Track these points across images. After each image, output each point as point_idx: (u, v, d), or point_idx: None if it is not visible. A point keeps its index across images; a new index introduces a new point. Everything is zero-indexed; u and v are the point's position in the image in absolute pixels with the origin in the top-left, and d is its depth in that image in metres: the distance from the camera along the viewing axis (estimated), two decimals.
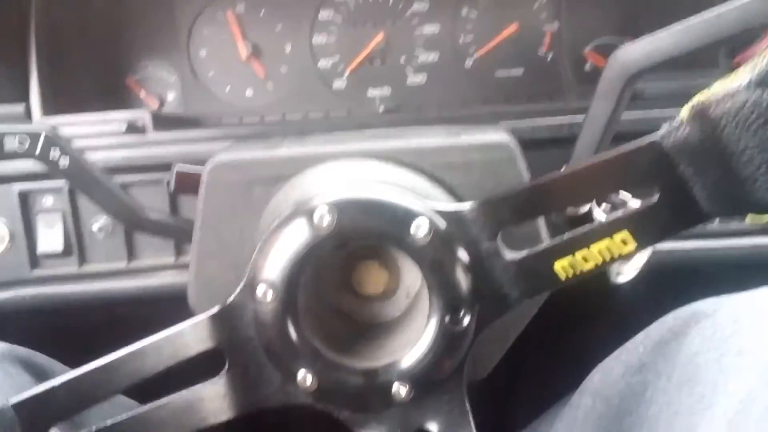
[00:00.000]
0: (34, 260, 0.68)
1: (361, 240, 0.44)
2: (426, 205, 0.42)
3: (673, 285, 0.63)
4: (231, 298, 0.44)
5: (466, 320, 0.42)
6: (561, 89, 0.78)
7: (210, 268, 0.51)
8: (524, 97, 0.78)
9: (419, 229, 0.41)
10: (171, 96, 0.82)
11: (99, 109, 0.69)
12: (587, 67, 0.78)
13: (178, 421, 0.44)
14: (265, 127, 0.72)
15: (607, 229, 0.38)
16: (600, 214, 0.51)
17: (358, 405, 0.44)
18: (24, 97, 0.70)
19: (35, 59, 0.71)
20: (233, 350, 0.44)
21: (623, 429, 0.52)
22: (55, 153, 0.50)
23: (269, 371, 0.44)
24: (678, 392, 0.46)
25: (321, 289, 0.50)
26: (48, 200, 0.67)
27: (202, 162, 0.52)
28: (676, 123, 0.35)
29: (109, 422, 0.43)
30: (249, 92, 0.82)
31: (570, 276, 0.39)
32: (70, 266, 0.68)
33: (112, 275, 0.68)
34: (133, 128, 0.67)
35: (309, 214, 0.42)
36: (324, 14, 0.79)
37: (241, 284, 0.44)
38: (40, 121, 0.68)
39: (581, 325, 0.89)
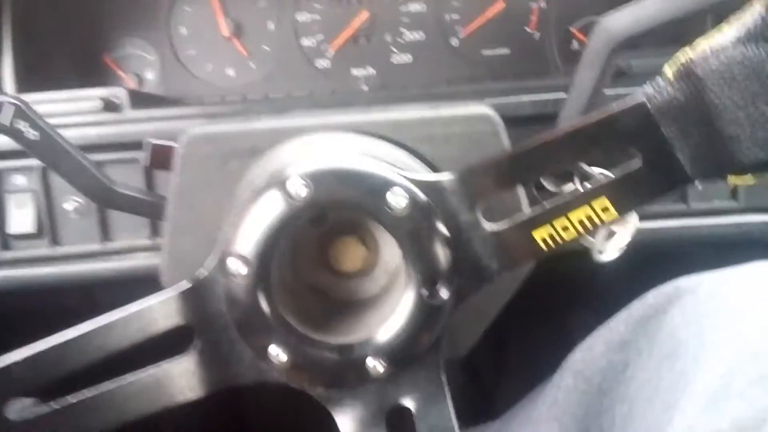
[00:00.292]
0: (5, 242, 0.66)
1: (336, 210, 0.43)
2: (403, 175, 0.41)
3: (657, 264, 0.62)
4: (202, 273, 0.42)
5: (444, 293, 0.41)
6: (548, 68, 0.77)
7: (184, 245, 0.50)
8: (511, 76, 0.77)
9: (396, 200, 0.40)
10: (150, 75, 0.81)
11: (75, 88, 0.67)
12: (574, 45, 0.77)
13: (144, 399, 0.43)
14: (247, 106, 0.70)
15: (587, 197, 0.37)
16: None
17: (333, 381, 0.43)
18: None
19: (8, 35, 0.69)
20: (203, 326, 0.43)
21: (604, 407, 0.51)
22: (22, 125, 0.49)
23: (240, 347, 0.43)
24: (658, 369, 0.46)
25: (297, 266, 0.49)
26: (19, 179, 0.65)
27: None
28: (660, 82, 0.34)
29: (70, 398, 0.42)
30: (231, 71, 0.80)
31: (551, 246, 0.38)
32: (43, 248, 0.66)
33: (86, 257, 0.67)
34: (109, 106, 0.65)
35: (283, 184, 0.41)
36: None
37: (213, 258, 0.42)
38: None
39: (565, 305, 0.88)
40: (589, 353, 0.53)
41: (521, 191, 0.49)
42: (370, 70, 0.79)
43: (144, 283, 0.64)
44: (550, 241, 0.38)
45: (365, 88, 0.78)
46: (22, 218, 0.65)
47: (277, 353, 0.42)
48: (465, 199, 0.40)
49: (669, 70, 0.34)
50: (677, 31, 0.47)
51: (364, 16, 0.78)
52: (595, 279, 0.70)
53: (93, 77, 0.78)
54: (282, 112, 0.57)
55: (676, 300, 0.48)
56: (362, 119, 0.49)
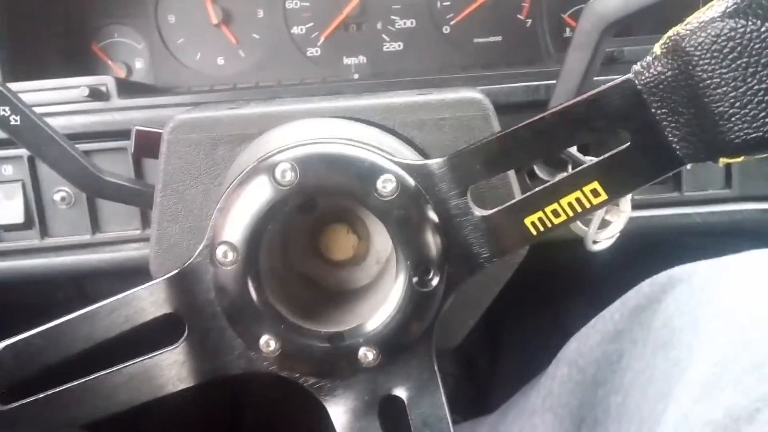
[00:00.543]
0: None
1: (325, 197, 0.43)
2: (393, 160, 0.40)
3: (651, 253, 0.62)
4: (189, 261, 0.42)
5: (435, 281, 0.40)
6: (540, 55, 0.76)
7: (172, 233, 0.49)
8: (503, 63, 0.76)
9: (385, 185, 0.39)
10: (139, 63, 0.80)
11: (63, 77, 0.66)
12: (566, 32, 0.77)
13: (135, 388, 0.42)
14: (236, 93, 0.69)
15: (577, 181, 0.36)
16: None
17: (324, 371, 0.43)
18: None
19: None
20: (192, 315, 0.42)
21: (599, 398, 0.51)
22: (5, 110, 0.48)
23: (230, 337, 0.42)
24: (653, 358, 0.45)
25: (287, 254, 0.48)
26: (7, 169, 0.64)
27: None
28: (649, 59, 0.33)
29: (60, 388, 0.41)
30: (220, 60, 0.79)
31: (541, 231, 0.38)
32: (32, 239, 0.65)
33: (76, 248, 0.66)
34: (96, 94, 0.64)
35: (271, 170, 0.40)
36: None
37: (201, 246, 0.42)
38: None
39: (559, 295, 0.88)
40: (584, 343, 0.53)
41: (514, 180, 0.48)
42: (361, 58, 0.79)
43: (134, 275, 0.63)
44: (540, 226, 0.38)
45: (356, 76, 0.77)
46: (10, 209, 0.64)
47: (268, 342, 0.41)
48: (455, 184, 0.39)
49: (658, 47, 0.33)
50: (670, 17, 0.46)
51: (354, 3, 0.77)
52: (590, 269, 0.70)
53: (81, 66, 0.77)
54: (271, 99, 0.56)
55: (670, 289, 0.47)
56: (351, 104, 0.48)
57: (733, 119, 0.32)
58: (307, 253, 0.49)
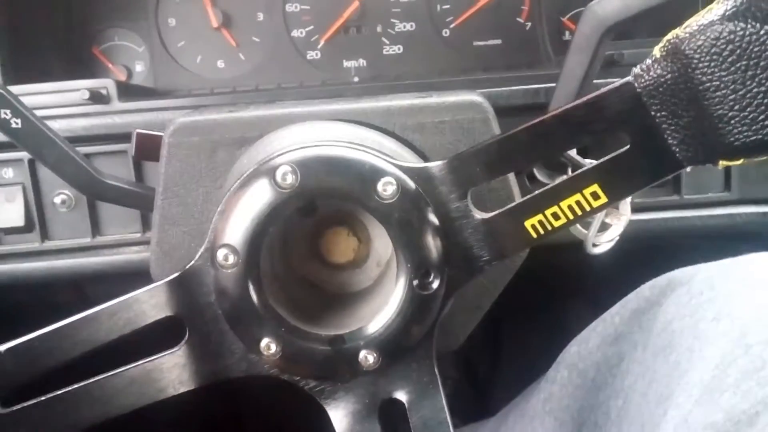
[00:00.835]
0: None
1: (325, 199, 0.43)
2: (393, 163, 0.40)
3: (650, 256, 0.62)
4: (190, 264, 0.42)
5: (435, 283, 0.40)
6: (539, 58, 0.76)
7: (172, 236, 0.49)
8: (502, 67, 0.76)
9: (386, 188, 0.39)
10: (139, 67, 0.80)
11: (63, 80, 0.66)
12: (566, 35, 0.77)
13: (135, 392, 0.42)
14: (236, 96, 0.70)
15: (577, 184, 0.36)
16: None
17: (324, 374, 0.43)
18: None
19: None
20: (193, 318, 0.42)
21: (599, 401, 0.51)
22: (6, 113, 0.48)
23: (231, 340, 0.42)
24: (653, 361, 0.45)
25: (288, 257, 0.48)
26: (7, 172, 0.64)
27: None
28: (649, 62, 0.33)
29: (61, 391, 0.41)
30: (220, 63, 0.79)
31: (541, 233, 0.38)
32: (32, 242, 0.65)
33: (76, 251, 0.66)
34: (96, 97, 0.64)
35: (271, 172, 0.40)
36: None
37: (201, 249, 0.42)
38: None
39: (559, 298, 0.88)
40: (584, 346, 0.53)
41: (514, 183, 0.48)
42: (361, 61, 0.79)
43: (134, 278, 0.63)
44: (540, 229, 0.38)
45: (356, 79, 0.77)
46: (11, 212, 0.64)
47: (269, 345, 0.41)
48: (455, 187, 0.39)
49: (657, 50, 0.34)
50: (670, 20, 0.47)
51: (354, 6, 0.77)
52: (589, 271, 0.70)
53: (82, 69, 0.77)
54: (271, 102, 0.56)
55: (670, 292, 0.47)
56: (351, 107, 0.48)
57: (732, 122, 0.32)
58: (308, 256, 0.49)
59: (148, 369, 0.42)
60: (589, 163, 0.51)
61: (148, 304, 0.42)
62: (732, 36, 0.31)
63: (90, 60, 0.78)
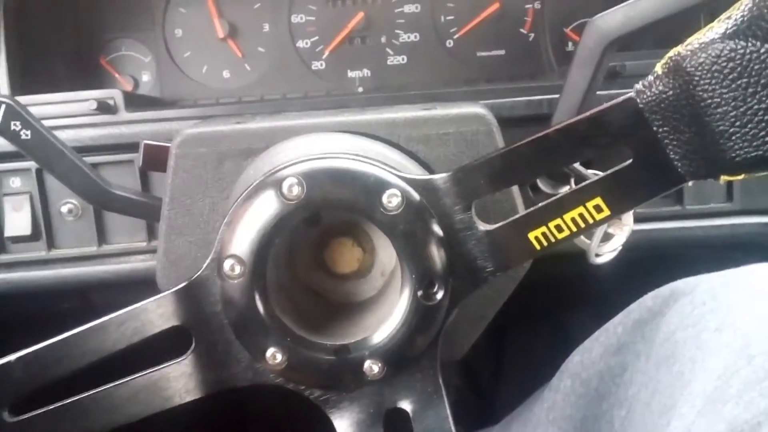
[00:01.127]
0: (1, 244, 0.66)
1: (331, 211, 0.43)
2: (398, 175, 0.41)
3: (652, 266, 0.62)
4: (197, 274, 0.42)
5: (440, 294, 0.41)
6: (543, 69, 0.77)
7: (179, 246, 0.50)
8: (506, 77, 0.77)
9: (391, 200, 0.40)
10: (146, 77, 0.81)
11: (71, 90, 0.67)
12: (569, 46, 0.78)
13: (142, 401, 0.42)
14: (242, 107, 0.70)
15: (580, 197, 0.37)
16: None
17: (329, 384, 0.43)
18: None
19: (3, 37, 0.69)
20: (199, 327, 0.42)
21: (602, 411, 0.51)
22: (16, 125, 0.48)
23: (237, 349, 0.43)
24: (656, 371, 0.46)
25: (293, 267, 0.49)
26: (15, 181, 0.65)
27: None
28: (651, 78, 0.34)
29: (69, 400, 0.42)
30: (226, 73, 0.80)
31: (545, 245, 0.38)
32: (39, 250, 0.66)
33: (82, 259, 0.66)
34: (104, 108, 0.65)
35: (277, 184, 0.40)
36: None
37: (208, 259, 0.42)
38: None
39: (562, 308, 0.88)
40: (587, 356, 0.53)
41: (517, 194, 0.49)
42: (366, 72, 0.79)
43: (140, 286, 0.64)
44: (543, 241, 0.38)
45: (360, 89, 0.78)
46: (18, 221, 0.65)
47: (274, 355, 0.42)
48: (459, 199, 0.40)
49: (659, 66, 0.34)
50: (672, 33, 0.47)
51: (359, 17, 0.78)
52: (592, 281, 0.70)
53: (88, 79, 0.78)
54: (277, 113, 0.56)
55: (673, 302, 0.47)
56: (357, 119, 0.49)
57: (733, 138, 0.32)
58: (313, 266, 0.49)
59: (155, 378, 0.43)
60: (592, 173, 0.51)
61: (156, 313, 0.42)
62: (733, 54, 0.31)
63: (97, 70, 0.79)
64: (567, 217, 0.37)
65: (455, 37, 0.78)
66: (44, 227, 0.65)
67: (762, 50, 0.31)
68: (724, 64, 0.31)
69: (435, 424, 0.43)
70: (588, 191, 0.37)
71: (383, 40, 0.79)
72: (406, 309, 0.41)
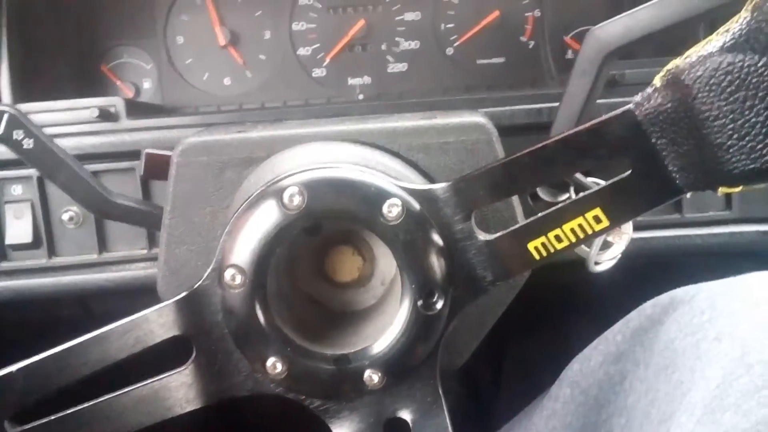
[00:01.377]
0: (2, 252, 0.66)
1: (331, 220, 0.43)
2: (398, 185, 0.41)
3: (651, 274, 0.62)
4: (198, 284, 0.42)
5: (440, 304, 0.41)
6: (543, 77, 0.77)
7: (179, 254, 0.50)
8: (506, 85, 0.77)
9: (391, 210, 0.40)
10: (147, 84, 0.81)
11: (73, 98, 0.67)
12: (569, 54, 0.78)
13: (143, 411, 0.42)
14: (243, 114, 0.71)
15: (580, 208, 0.37)
16: None
17: (329, 393, 0.43)
18: None
19: (5, 44, 0.69)
20: (200, 337, 0.43)
21: (601, 419, 0.51)
22: (18, 134, 0.49)
23: (237, 359, 0.43)
24: (655, 380, 0.46)
25: (293, 276, 0.49)
26: (17, 189, 0.65)
27: None
28: (649, 91, 0.34)
29: (70, 410, 0.42)
30: (227, 80, 0.80)
31: (544, 255, 0.38)
32: (40, 258, 0.66)
33: (83, 267, 0.66)
34: (105, 115, 0.65)
35: (278, 194, 0.41)
36: (304, 0, 0.78)
37: (209, 269, 0.42)
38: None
39: (561, 316, 0.88)
40: (587, 364, 0.53)
41: (517, 203, 0.49)
42: (366, 79, 0.80)
43: (140, 294, 0.64)
44: (543, 251, 0.38)
45: (361, 96, 0.78)
46: (19, 228, 0.65)
47: (275, 365, 0.42)
48: (459, 209, 0.40)
49: (658, 79, 0.34)
50: (672, 42, 0.47)
51: (359, 24, 0.78)
52: (592, 289, 0.70)
53: (90, 86, 0.78)
54: (278, 121, 0.57)
55: (672, 311, 0.48)
56: (357, 128, 0.49)
57: (731, 151, 0.32)
58: (313, 275, 0.49)
59: (156, 388, 0.43)
60: (592, 182, 0.52)
61: (157, 323, 0.42)
62: (731, 67, 0.31)
63: (99, 77, 0.79)
64: (566, 227, 0.37)
65: (455, 44, 0.79)
66: (45, 235, 0.65)
67: (760, 63, 0.31)
68: (723, 77, 0.32)
69: None
70: (587, 202, 0.37)
71: (384, 47, 0.79)
72: (406, 318, 0.41)
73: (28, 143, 0.49)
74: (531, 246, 0.38)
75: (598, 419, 0.52)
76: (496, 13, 0.78)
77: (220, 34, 0.78)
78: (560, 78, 0.77)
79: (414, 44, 0.79)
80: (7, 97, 0.68)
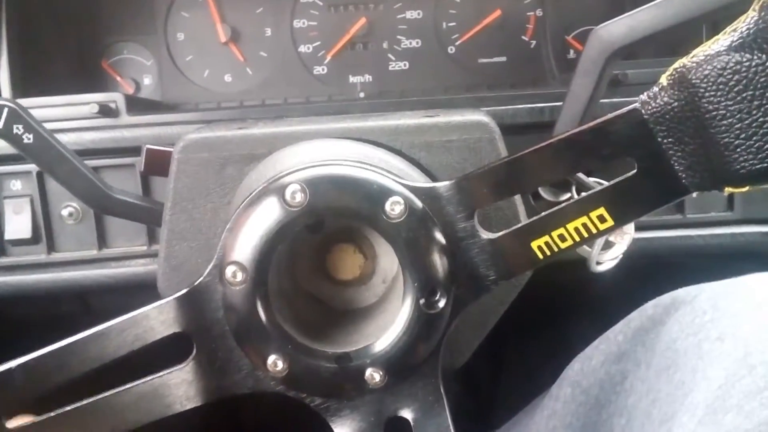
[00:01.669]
0: (1, 247, 0.66)
1: (333, 218, 0.43)
2: (401, 183, 0.41)
3: (653, 275, 0.62)
4: (199, 280, 0.42)
5: (442, 303, 0.41)
6: (544, 76, 0.77)
7: (180, 251, 0.50)
8: (507, 84, 0.77)
9: (394, 208, 0.40)
10: (147, 80, 0.81)
11: (73, 93, 0.67)
12: (571, 54, 0.78)
13: (143, 408, 0.42)
14: (243, 111, 0.70)
15: (584, 207, 0.37)
16: None
17: (331, 391, 0.43)
18: None
19: (5, 40, 0.69)
20: (200, 334, 0.42)
21: (602, 419, 0.51)
22: (18, 128, 0.48)
23: (238, 356, 0.42)
24: (657, 380, 0.46)
25: (295, 274, 0.48)
26: (15, 184, 0.65)
27: None
28: (655, 89, 0.34)
29: (69, 407, 0.42)
30: (228, 77, 0.80)
31: (548, 254, 0.38)
32: (39, 254, 0.66)
33: (82, 263, 0.66)
34: (105, 111, 0.65)
35: (280, 191, 0.40)
36: None
37: (210, 266, 0.42)
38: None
39: (563, 316, 0.88)
40: (588, 364, 0.53)
41: (519, 202, 0.49)
42: (367, 77, 0.80)
43: (140, 290, 0.64)
44: (546, 250, 0.38)
45: (362, 94, 0.78)
46: (18, 224, 0.65)
47: (275, 362, 0.42)
48: (462, 207, 0.40)
49: (664, 78, 0.34)
50: (675, 42, 0.47)
51: (361, 22, 0.78)
52: (593, 289, 0.71)
53: (90, 82, 0.78)
54: (279, 118, 0.56)
55: (673, 311, 0.47)
56: (359, 126, 0.49)
57: (738, 150, 0.32)
58: (315, 273, 0.49)
59: (156, 385, 0.43)
60: (594, 181, 0.52)
61: (157, 320, 0.42)
62: (738, 66, 0.31)
63: (99, 73, 0.79)
64: (570, 226, 0.37)
65: (457, 43, 0.79)
66: (44, 230, 0.65)
67: (767, 63, 0.31)
68: (730, 76, 0.31)
69: None
70: (592, 201, 0.37)
71: (385, 45, 0.79)
72: (408, 317, 0.41)
73: (28, 138, 0.49)
74: (534, 245, 0.38)
75: (598, 419, 0.51)
76: (497, 12, 0.77)
77: (221, 31, 0.78)
78: (562, 78, 0.77)
79: (415, 43, 0.79)
80: (7, 93, 0.68)
